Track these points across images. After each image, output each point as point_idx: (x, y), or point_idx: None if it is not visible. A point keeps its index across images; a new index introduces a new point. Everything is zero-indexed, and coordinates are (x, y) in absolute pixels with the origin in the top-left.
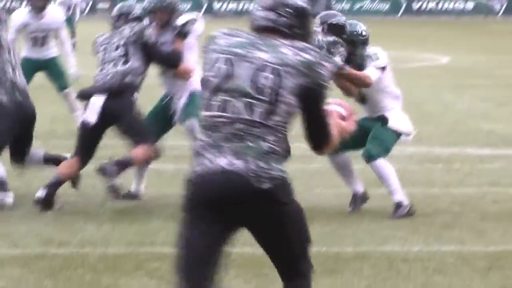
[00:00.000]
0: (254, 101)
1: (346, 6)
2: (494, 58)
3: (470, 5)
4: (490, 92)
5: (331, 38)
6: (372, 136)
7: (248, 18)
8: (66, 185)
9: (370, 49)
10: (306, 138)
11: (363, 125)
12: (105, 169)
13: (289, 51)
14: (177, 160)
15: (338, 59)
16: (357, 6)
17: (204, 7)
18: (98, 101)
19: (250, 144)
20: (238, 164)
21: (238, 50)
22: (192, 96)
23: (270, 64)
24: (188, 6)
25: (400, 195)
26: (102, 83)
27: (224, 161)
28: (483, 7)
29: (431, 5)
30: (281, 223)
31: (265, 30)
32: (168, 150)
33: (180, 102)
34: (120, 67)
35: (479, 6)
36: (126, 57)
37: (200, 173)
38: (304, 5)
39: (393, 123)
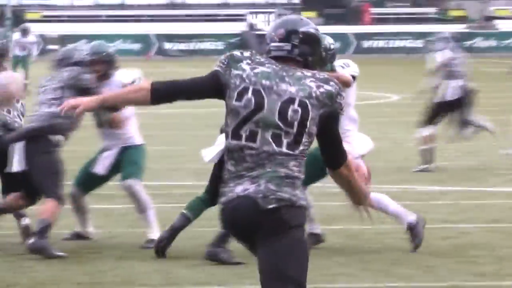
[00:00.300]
0: (282, 133)
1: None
2: None
3: (419, 43)
4: (439, 130)
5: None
6: None
7: (199, 58)
8: (15, 226)
9: (338, 61)
10: (325, 160)
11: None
12: None
13: (312, 83)
14: (125, 200)
15: None
16: None
17: (155, 47)
18: (19, 148)
19: (268, 169)
20: (250, 188)
21: (267, 82)
22: (133, 153)
23: (297, 98)
24: (139, 46)
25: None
26: (25, 128)
27: (240, 188)
28: (432, 45)
29: (382, 43)
30: (282, 244)
31: (280, 58)
32: (116, 190)
33: (108, 155)
34: (52, 109)
35: (427, 44)
36: (61, 100)
37: (223, 202)
38: (315, 31)
39: (353, 152)
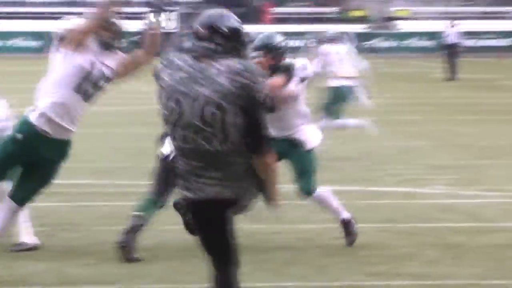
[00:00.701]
0: (208, 134)
1: None
2: None
3: None
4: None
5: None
6: (300, 171)
7: None
8: None
9: (298, 60)
10: (246, 144)
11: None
12: None
13: (227, 80)
14: None
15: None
16: None
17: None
18: None
19: (210, 167)
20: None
21: (183, 89)
22: None
23: (212, 100)
24: (39, 44)
25: (346, 213)
26: None
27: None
28: None
29: None
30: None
31: (204, 56)
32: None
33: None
34: None
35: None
36: None
37: (186, 197)
38: (238, 26)
39: (308, 144)
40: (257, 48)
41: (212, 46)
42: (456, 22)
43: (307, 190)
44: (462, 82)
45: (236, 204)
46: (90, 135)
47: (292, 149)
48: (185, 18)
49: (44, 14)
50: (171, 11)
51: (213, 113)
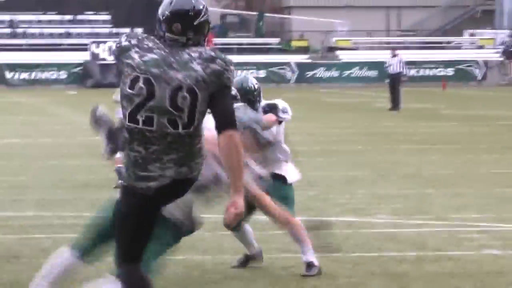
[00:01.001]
0: (176, 118)
1: None
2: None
3: (263, 73)
4: None
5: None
6: (281, 203)
7: (41, 87)
8: None
9: (278, 101)
10: (216, 121)
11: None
12: None
13: (199, 66)
14: None
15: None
16: None
17: None
18: None
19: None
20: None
21: (155, 70)
22: None
23: (185, 84)
24: None
25: (312, 256)
26: None
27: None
28: (275, 75)
29: None
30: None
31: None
32: None
33: None
34: None
35: (270, 74)
36: None
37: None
38: (207, 17)
39: (289, 179)
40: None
41: (183, 40)
42: (397, 52)
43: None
44: (405, 111)
45: (192, 183)
46: (35, 167)
47: (274, 183)
48: None
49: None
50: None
51: (184, 98)
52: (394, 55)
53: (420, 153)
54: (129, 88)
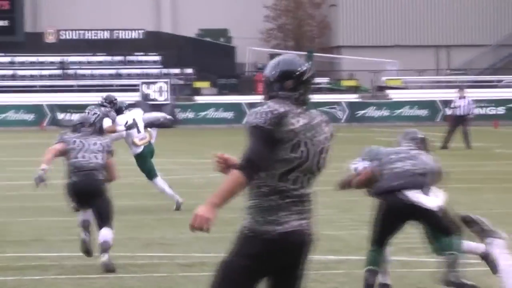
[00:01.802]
0: (314, 177)
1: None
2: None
3: None
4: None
5: None
6: None
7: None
8: None
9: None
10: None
11: None
12: None
13: (326, 127)
14: None
15: None
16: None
17: (48, 117)
18: None
19: (307, 207)
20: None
21: (308, 135)
22: None
23: (325, 146)
24: (32, 116)
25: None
26: None
27: (292, 223)
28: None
29: None
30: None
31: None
32: None
33: None
34: None
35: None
36: None
37: (277, 232)
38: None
39: None
40: None
41: (296, 95)
42: (465, 93)
43: None
44: (457, 150)
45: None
46: None
47: None
48: (175, 89)
49: (36, 87)
50: (164, 82)
51: (324, 159)
52: (462, 97)
53: (472, 192)
54: (291, 152)
